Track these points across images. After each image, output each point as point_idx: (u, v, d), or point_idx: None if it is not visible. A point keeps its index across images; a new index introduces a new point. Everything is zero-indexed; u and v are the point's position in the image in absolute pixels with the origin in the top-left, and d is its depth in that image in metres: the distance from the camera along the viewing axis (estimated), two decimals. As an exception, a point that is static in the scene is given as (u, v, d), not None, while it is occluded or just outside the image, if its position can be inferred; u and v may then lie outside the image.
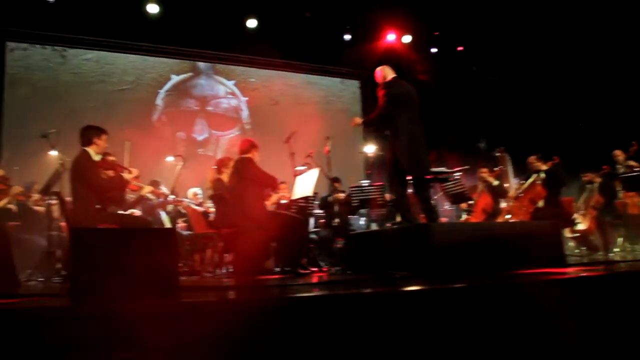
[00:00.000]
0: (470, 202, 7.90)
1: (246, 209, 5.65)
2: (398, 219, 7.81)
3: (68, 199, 5.49)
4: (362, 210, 8.09)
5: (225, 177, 6.36)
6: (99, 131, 5.18)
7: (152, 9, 9.96)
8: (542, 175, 7.22)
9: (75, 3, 9.70)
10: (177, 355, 2.39)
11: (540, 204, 7.19)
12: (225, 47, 10.92)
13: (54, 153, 5.93)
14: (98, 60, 10.80)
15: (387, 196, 7.34)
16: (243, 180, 5.73)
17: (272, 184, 6.00)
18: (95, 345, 2.36)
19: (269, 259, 6.63)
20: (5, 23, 9.82)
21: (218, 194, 6.11)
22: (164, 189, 7.31)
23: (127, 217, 5.67)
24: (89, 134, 5.15)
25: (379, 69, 5.62)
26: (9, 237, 5.08)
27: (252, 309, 2.63)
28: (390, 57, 10.13)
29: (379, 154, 10.18)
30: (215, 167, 6.70)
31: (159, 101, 11.05)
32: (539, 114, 10.46)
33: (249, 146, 5.92)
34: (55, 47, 10.55)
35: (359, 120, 5.97)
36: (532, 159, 7.45)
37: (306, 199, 6.44)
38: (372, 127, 6.25)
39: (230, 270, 6.67)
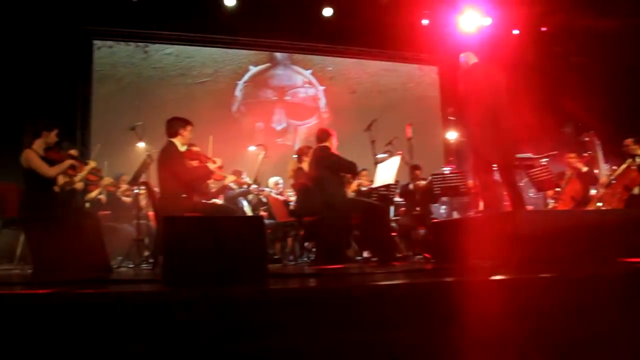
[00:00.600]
0: (557, 189, 7.59)
1: (327, 197, 5.64)
2: (481, 206, 7.63)
3: (155, 189, 5.67)
4: (444, 198, 7.93)
5: (305, 165, 6.38)
6: (184, 122, 5.30)
7: (229, 1, 10.10)
8: (638, 160, 6.83)
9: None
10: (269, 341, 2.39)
11: (636, 190, 6.81)
12: (301, 36, 10.92)
13: (141, 145, 6.11)
14: (178, 54, 11.07)
15: (470, 183, 7.15)
16: (322, 168, 5.72)
17: (352, 169, 5.96)
18: (190, 330, 2.40)
19: (351, 247, 6.63)
20: (92, 23, 10.22)
21: (300, 182, 6.14)
22: (245, 179, 7.42)
23: (212, 205, 5.78)
24: (175, 125, 5.27)
25: (462, 55, 5.46)
26: (101, 226, 5.30)
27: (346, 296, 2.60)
28: (470, 41, 9.85)
29: (461, 141, 9.94)
30: (296, 156, 6.73)
31: (238, 92, 11.21)
32: (631, 95, 9.88)
33: (325, 134, 5.90)
34: (138, 44, 10.90)
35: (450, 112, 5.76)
36: (628, 141, 7.04)
37: (387, 186, 6.37)
38: (458, 115, 6.03)
39: (312, 258, 6.71)
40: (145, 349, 2.31)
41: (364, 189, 6.98)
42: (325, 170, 5.67)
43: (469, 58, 5.38)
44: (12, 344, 2.27)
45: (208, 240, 3.19)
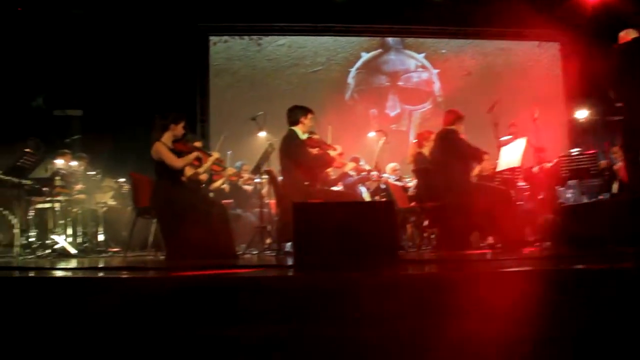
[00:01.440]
0: None
1: (451, 182, 5.49)
2: (615, 189, 7.14)
3: (279, 178, 5.77)
4: (571, 182, 7.49)
5: (426, 150, 6.24)
6: (305, 111, 5.35)
7: (340, -11, 10.07)
8: None
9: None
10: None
11: None
12: (413, 19, 10.68)
13: (262, 134, 6.21)
14: (291, 45, 11.21)
15: (603, 163, 6.71)
16: (447, 152, 5.57)
17: (478, 156, 5.76)
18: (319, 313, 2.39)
19: (473, 233, 6.42)
20: (208, 20, 10.61)
21: (422, 167, 6.02)
22: (364, 166, 7.40)
23: (335, 192, 5.81)
24: (296, 113, 5.33)
25: (622, 32, 5.11)
26: (227, 214, 5.46)
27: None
28: (596, 14, 9.25)
29: (592, 119, 9.35)
30: (416, 140, 6.61)
31: (350, 80, 11.19)
32: None
33: (454, 118, 5.74)
34: (252, 37, 11.16)
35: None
36: None
37: (512, 170, 6.11)
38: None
39: (433, 245, 6.57)
40: (288, 333, 2.32)
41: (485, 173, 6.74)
42: (451, 155, 5.52)
43: (629, 33, 5.03)
44: (149, 324, 2.36)
45: (338, 226, 3.19)
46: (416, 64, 11.33)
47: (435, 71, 11.29)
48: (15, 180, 6.06)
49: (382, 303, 2.40)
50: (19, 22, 9.52)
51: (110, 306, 2.42)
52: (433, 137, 6.06)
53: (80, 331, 2.33)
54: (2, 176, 5.95)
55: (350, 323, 2.33)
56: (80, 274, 3.47)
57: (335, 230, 3.14)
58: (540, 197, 7.32)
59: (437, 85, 11.27)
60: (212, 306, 2.42)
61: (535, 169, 7.47)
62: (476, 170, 6.54)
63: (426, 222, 6.49)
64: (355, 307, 2.38)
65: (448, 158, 5.52)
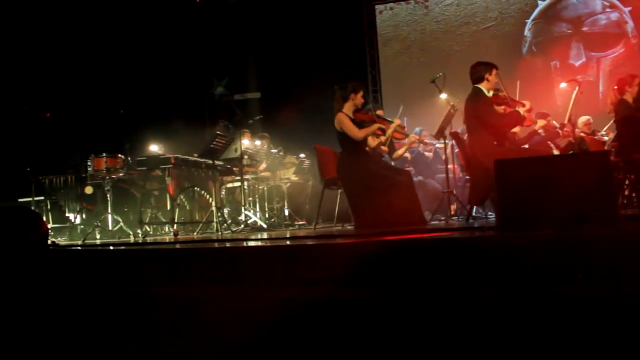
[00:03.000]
0: None
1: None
2: None
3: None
4: None
5: (629, 97, 5.60)
6: (489, 67, 5.05)
7: None
8: None
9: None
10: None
11: None
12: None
13: (443, 96, 5.98)
14: (459, 3, 10.75)
15: None
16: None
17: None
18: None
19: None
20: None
21: (627, 115, 5.39)
22: (553, 122, 6.87)
23: (527, 151, 5.43)
24: (480, 70, 5.05)
25: None
26: (412, 181, 5.34)
27: None
28: None
29: None
30: (616, 87, 5.95)
31: (527, 32, 10.43)
32: None
33: None
34: (418, 0, 10.83)
35: None
36: None
37: None
38: None
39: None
40: (496, 293, 2.21)
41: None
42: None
43: None
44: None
45: (546, 183, 2.93)
46: (603, 4, 10.21)
47: (627, 9, 10.07)
48: (210, 161, 6.43)
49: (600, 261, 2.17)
50: (193, 15, 10.16)
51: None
52: (638, 81, 5.41)
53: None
54: (197, 158, 6.34)
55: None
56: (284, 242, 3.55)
57: (543, 187, 2.89)
58: None
59: (630, 25, 10.05)
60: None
61: None
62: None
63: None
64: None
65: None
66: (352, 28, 10.56)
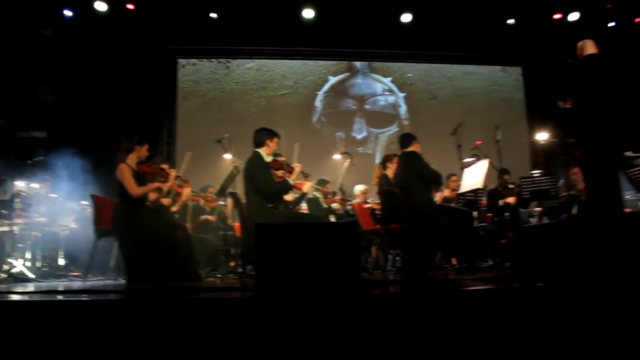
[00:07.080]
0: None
1: (414, 203, 5.55)
2: (574, 211, 7.28)
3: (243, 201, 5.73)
4: (533, 203, 7.63)
5: (390, 172, 6.31)
6: (271, 134, 5.35)
7: (308, 13, 10.17)
8: None
9: (236, 16, 10.22)
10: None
11: None
12: (380, 44, 10.87)
13: (228, 157, 6.19)
14: (259, 68, 11.30)
15: (581, 186, 6.83)
16: (410, 175, 5.64)
17: (437, 180, 5.87)
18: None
19: (437, 254, 6.48)
20: (176, 42, 10.67)
21: (387, 189, 6.06)
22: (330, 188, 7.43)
23: (299, 214, 5.80)
24: (262, 135, 5.33)
25: (579, 44, 4.98)
26: (190, 236, 5.41)
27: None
28: (558, 38, 9.49)
29: (552, 141, 9.51)
30: (380, 163, 6.67)
31: (318, 103, 11.28)
32: None
33: (409, 139, 5.85)
34: (220, 60, 11.25)
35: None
36: None
37: (475, 191, 6.21)
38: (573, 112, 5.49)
39: (397, 267, 6.60)
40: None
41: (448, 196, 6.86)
42: (413, 177, 5.59)
43: (585, 46, 4.93)
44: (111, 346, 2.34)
45: (301, 248, 3.17)
46: (383, 87, 11.48)
47: (402, 95, 11.45)
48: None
49: (345, 324, 2.43)
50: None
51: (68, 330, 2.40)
52: (396, 159, 6.13)
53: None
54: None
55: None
56: (37, 297, 3.40)
57: (298, 252, 3.14)
58: (505, 217, 7.42)
59: (403, 109, 11.42)
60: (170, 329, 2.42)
61: (500, 190, 7.61)
62: (445, 192, 6.66)
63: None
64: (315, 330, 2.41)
65: (411, 180, 5.59)
66: (153, 78, 10.42)
